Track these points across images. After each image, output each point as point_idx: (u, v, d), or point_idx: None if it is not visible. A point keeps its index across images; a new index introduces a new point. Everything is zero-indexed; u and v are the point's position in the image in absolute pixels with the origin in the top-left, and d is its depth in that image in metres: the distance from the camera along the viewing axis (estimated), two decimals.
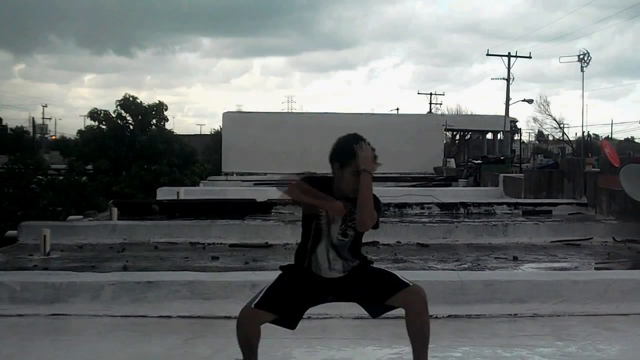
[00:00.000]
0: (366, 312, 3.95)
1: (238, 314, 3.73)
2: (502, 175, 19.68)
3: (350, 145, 3.62)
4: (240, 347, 3.79)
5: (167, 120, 36.58)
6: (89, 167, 32.83)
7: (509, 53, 45.93)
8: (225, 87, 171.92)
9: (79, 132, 39.61)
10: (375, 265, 3.96)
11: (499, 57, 46.12)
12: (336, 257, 3.75)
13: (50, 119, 79.97)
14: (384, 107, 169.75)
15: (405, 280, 3.76)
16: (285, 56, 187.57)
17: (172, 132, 38.77)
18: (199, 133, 72.00)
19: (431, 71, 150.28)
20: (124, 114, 35.06)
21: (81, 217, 13.13)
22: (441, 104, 79.57)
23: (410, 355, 4.67)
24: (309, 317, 5.23)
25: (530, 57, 46.90)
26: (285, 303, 3.75)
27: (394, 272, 3.91)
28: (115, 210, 11.88)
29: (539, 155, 43.99)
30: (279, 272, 3.90)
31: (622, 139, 65.15)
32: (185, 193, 16.79)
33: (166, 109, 36.15)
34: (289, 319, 3.80)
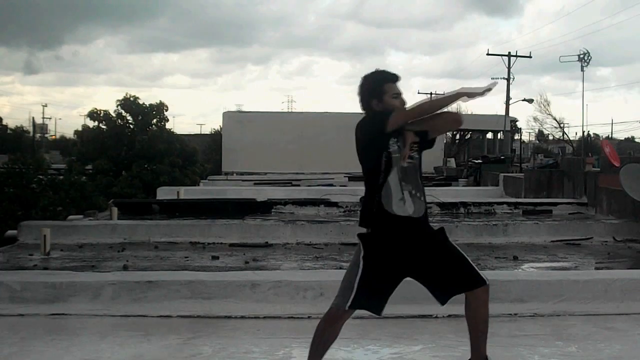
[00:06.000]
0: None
1: (325, 316, 3.78)
2: (502, 174, 19.68)
3: (375, 77, 3.73)
4: (314, 348, 3.80)
5: (168, 120, 36.58)
6: (89, 167, 32.80)
7: (509, 53, 46.02)
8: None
9: (76, 132, 39.56)
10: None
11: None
12: (406, 185, 3.67)
13: (50, 118, 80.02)
14: None
15: (480, 275, 3.75)
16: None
17: (173, 131, 38.75)
18: (199, 133, 72.06)
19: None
20: (124, 113, 35.05)
21: (81, 216, 13.12)
22: None
23: (410, 355, 4.69)
24: (309, 317, 5.25)
25: (530, 57, 47.01)
26: (377, 291, 3.69)
27: (465, 255, 3.79)
28: (115, 210, 11.88)
29: (539, 155, 44.10)
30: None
31: (623, 138, 65.29)
32: (186, 193, 16.78)
33: (166, 109, 36.15)
34: (380, 305, 3.75)
